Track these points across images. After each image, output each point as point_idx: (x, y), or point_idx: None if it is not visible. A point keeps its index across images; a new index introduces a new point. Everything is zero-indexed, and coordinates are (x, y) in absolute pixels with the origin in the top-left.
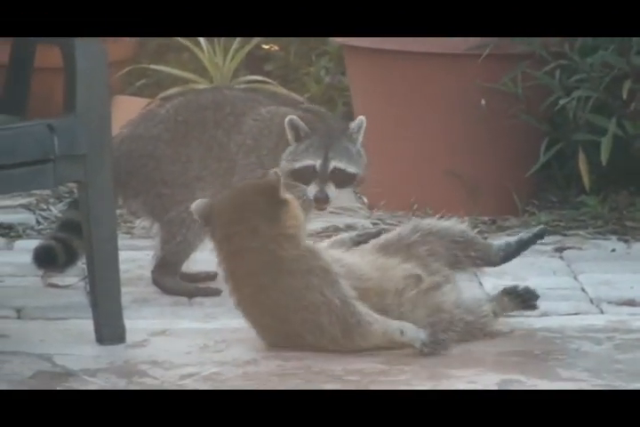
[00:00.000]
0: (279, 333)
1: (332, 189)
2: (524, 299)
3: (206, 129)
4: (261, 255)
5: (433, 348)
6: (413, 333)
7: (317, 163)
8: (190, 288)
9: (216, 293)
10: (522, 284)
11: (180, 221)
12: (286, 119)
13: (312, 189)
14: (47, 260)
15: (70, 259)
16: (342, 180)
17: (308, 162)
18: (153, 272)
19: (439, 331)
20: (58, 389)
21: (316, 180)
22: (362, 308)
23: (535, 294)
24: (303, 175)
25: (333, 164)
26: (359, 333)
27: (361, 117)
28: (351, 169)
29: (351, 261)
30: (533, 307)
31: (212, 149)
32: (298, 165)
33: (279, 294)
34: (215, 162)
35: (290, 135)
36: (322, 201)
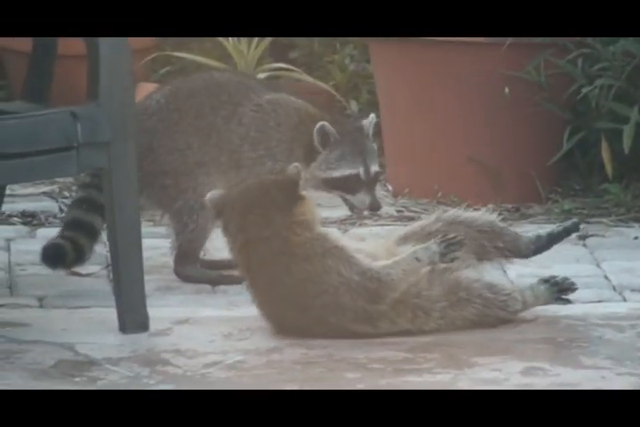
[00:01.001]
0: (299, 322)
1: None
2: (561, 288)
3: (202, 115)
4: (275, 243)
5: (451, 250)
6: (427, 252)
7: (360, 170)
8: (213, 276)
9: (239, 280)
10: (552, 273)
11: (188, 209)
12: (317, 126)
13: (364, 199)
14: (56, 258)
15: (79, 256)
16: (377, 182)
17: (349, 170)
18: (174, 263)
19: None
20: (76, 380)
21: (363, 188)
22: (374, 265)
23: (573, 284)
24: (345, 184)
25: (374, 169)
26: (386, 288)
27: (372, 115)
28: (379, 170)
29: (358, 246)
30: (567, 300)
31: (210, 136)
32: (337, 173)
33: (296, 280)
34: (215, 149)
35: (318, 142)
36: (377, 209)
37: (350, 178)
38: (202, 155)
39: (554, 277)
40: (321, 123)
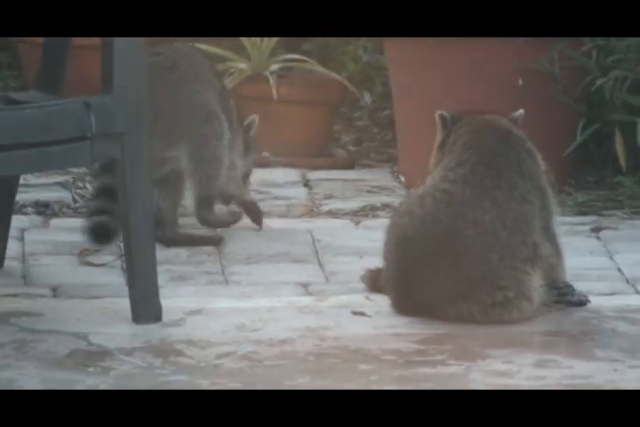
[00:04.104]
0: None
1: None
2: (561, 292)
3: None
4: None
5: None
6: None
7: None
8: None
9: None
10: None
11: None
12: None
13: None
14: (104, 237)
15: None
16: None
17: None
18: None
19: None
20: (90, 370)
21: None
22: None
23: (573, 290)
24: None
25: None
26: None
27: (254, 116)
28: None
29: None
30: (566, 303)
31: None
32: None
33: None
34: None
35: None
36: None
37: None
38: None
39: (555, 282)
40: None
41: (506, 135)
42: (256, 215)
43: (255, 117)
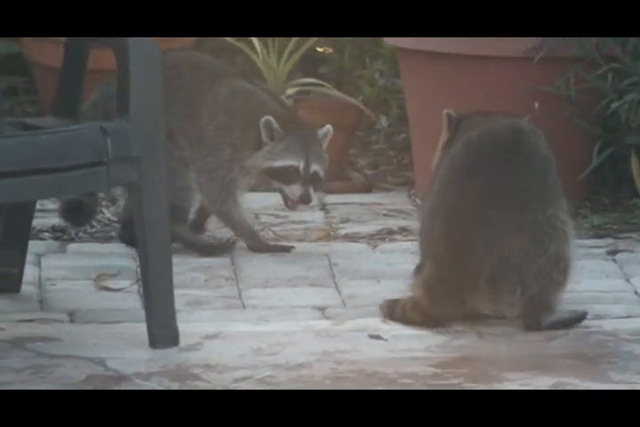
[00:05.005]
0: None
1: (312, 192)
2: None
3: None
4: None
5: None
6: None
7: (300, 164)
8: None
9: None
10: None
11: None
12: (262, 120)
13: (296, 190)
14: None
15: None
16: (316, 183)
17: (290, 162)
18: None
19: None
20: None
21: (299, 181)
22: None
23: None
24: (283, 174)
25: (314, 167)
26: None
27: (328, 126)
28: (322, 174)
29: None
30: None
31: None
32: (278, 163)
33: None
34: (184, 120)
35: (264, 134)
36: (307, 202)
37: (288, 169)
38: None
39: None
40: (266, 117)
41: (514, 138)
42: (276, 249)
43: (268, 117)
